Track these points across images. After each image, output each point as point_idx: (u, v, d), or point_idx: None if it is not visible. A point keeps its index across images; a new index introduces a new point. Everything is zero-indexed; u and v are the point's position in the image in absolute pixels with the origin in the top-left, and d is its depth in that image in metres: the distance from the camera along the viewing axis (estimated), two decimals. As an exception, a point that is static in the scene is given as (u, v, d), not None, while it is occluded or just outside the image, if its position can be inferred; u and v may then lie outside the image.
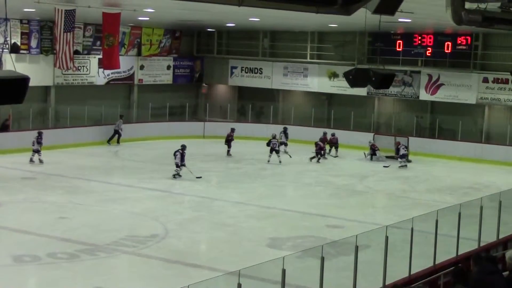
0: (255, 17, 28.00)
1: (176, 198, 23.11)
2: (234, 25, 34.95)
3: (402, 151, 30.27)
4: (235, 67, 40.35)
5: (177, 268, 15.74)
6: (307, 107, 38.03)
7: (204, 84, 41.19)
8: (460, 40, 33.56)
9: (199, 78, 41.55)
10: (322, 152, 30.92)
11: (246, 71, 40.03)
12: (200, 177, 25.54)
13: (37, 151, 27.66)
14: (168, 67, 39.61)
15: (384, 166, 30.06)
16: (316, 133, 35.57)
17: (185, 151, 25.99)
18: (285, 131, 33.75)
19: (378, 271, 12.57)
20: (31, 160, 27.60)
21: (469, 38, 33.42)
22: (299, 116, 37.55)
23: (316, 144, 30.87)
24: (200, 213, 20.99)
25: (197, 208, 21.60)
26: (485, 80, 33.17)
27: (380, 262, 12.49)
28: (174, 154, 25.98)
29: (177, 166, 25.72)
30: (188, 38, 41.08)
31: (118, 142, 33.87)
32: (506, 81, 32.12)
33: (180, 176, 25.65)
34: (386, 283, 12.36)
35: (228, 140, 32.00)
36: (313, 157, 30.60)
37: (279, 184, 26.27)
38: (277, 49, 39.65)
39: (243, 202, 22.51)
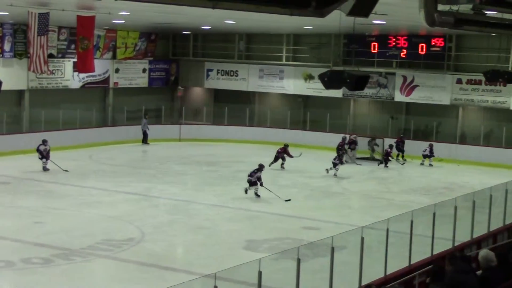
0: (230, 19, 28.02)
1: (152, 201, 23.02)
2: (209, 27, 34.95)
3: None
4: (211, 70, 40.32)
5: (153, 272, 15.68)
6: (283, 109, 38.10)
7: (179, 87, 41.10)
8: (434, 41, 33.81)
9: (174, 81, 41.47)
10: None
11: (222, 73, 40.01)
12: (289, 200, 23.42)
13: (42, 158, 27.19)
14: (144, 70, 39.49)
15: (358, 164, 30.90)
16: (292, 135, 35.77)
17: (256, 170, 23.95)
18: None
19: (354, 272, 12.61)
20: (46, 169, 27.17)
21: (442, 39, 33.67)
22: (275, 118, 37.62)
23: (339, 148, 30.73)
24: (176, 216, 20.93)
25: (173, 211, 21.54)
26: (459, 81, 33.44)
27: (356, 263, 12.53)
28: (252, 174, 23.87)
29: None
30: (164, 41, 41.00)
31: (144, 142, 35.30)
32: (480, 82, 32.39)
33: (258, 196, 23.70)
34: (362, 284, 12.41)
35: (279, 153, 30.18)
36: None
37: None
38: (253, 52, 39.71)
39: (219, 205, 22.49)
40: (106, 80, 37.30)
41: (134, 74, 38.93)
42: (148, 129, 35.55)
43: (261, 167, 23.93)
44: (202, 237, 18.69)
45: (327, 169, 28.28)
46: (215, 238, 18.70)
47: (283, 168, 29.26)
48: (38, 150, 27.02)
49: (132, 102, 37.72)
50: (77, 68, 32.28)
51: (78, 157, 30.76)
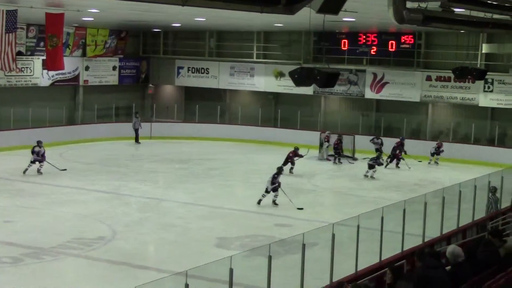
0: (201, 17, 27.94)
1: (123, 199, 22.91)
2: (180, 25, 34.83)
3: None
4: (182, 67, 40.24)
5: (124, 270, 15.62)
6: (254, 106, 38.12)
7: (150, 85, 40.97)
8: (404, 39, 34.04)
9: (145, 78, 41.31)
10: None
11: (193, 71, 39.94)
12: (302, 208, 22.11)
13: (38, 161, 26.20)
14: (114, 68, 39.29)
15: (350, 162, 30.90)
16: (263, 132, 35.84)
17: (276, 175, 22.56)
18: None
19: (325, 269, 12.66)
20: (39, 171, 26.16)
21: (412, 36, 33.91)
22: (246, 115, 37.62)
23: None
24: (147, 214, 20.86)
25: (144, 210, 21.47)
26: (429, 78, 33.72)
27: (327, 260, 12.58)
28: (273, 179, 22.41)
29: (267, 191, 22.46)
30: (134, 39, 40.82)
31: (136, 141, 35.22)
32: (449, 79, 32.68)
33: (276, 205, 22.29)
34: (333, 280, 12.46)
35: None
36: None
37: (227, 183, 26.28)
38: (224, 49, 39.66)
39: (191, 203, 22.45)
40: (76, 78, 37.02)
41: (104, 72, 38.70)
42: (141, 127, 35.43)
43: (280, 170, 22.98)
44: (174, 235, 18.65)
45: (365, 175, 27.75)
46: (186, 236, 18.67)
47: (292, 173, 27.51)
48: (33, 152, 26.00)
49: (102, 100, 37.50)
50: (46, 65, 31.94)
51: (49, 156, 30.45)
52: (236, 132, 36.73)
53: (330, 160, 31.24)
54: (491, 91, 32.28)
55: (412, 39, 33.97)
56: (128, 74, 40.28)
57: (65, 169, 26.09)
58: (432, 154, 31.14)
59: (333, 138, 32.02)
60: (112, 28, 37.65)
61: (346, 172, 29.34)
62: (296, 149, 28.38)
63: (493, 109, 33.03)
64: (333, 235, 12.44)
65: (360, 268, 13.32)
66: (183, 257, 16.38)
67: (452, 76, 26.62)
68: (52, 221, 19.65)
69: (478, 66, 30.90)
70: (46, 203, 21.70)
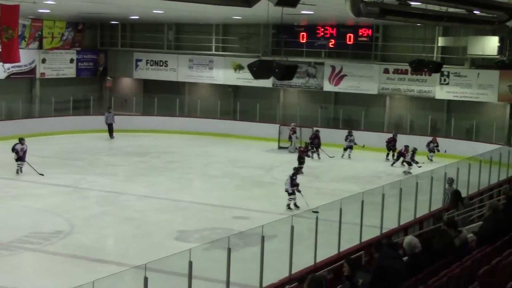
0: (159, 9, 27.79)
1: (82, 193, 22.74)
2: (138, 17, 34.60)
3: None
4: (140, 60, 39.98)
5: (83, 264, 15.52)
6: (213, 99, 38.07)
7: (108, 78, 40.64)
8: (362, 32, 34.27)
9: (103, 71, 40.96)
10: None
11: (151, 64, 39.72)
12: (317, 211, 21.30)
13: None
14: (71, 61, 38.85)
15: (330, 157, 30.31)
16: (222, 125, 35.83)
17: (295, 176, 21.36)
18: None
19: (284, 260, 12.74)
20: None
21: (370, 29, 34.16)
22: (205, 108, 37.54)
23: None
24: (106, 207, 20.75)
25: (103, 203, 21.34)
26: (386, 71, 34.01)
27: (287, 252, 12.66)
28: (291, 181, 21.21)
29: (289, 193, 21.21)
30: (91, 31, 40.42)
31: (111, 135, 34.70)
32: (406, 72, 32.99)
33: (296, 206, 21.10)
34: (292, 272, 12.55)
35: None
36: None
37: (186, 177, 26.23)
38: (182, 42, 39.50)
39: (150, 196, 22.38)
40: (32, 71, 36.55)
41: (62, 65, 38.27)
42: (114, 122, 34.97)
43: (298, 170, 22.21)
44: (133, 229, 18.59)
45: (404, 171, 27.69)
46: (145, 229, 18.62)
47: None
48: (14, 149, 24.92)
49: (59, 93, 37.08)
50: (2, 58, 31.26)
51: (5, 150, 30.08)
52: (195, 125, 36.64)
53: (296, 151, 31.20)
54: (447, 84, 32.68)
55: (370, 32, 34.22)
56: (86, 66, 39.90)
57: (42, 174, 24.65)
58: (432, 150, 30.45)
59: (302, 130, 32.40)
60: (69, 20, 37.22)
61: (304, 164, 29.41)
62: (307, 144, 28.54)
63: (449, 101, 33.45)
64: (292, 227, 12.52)
65: (319, 259, 13.42)
66: (142, 250, 16.33)
67: (409, 69, 26.86)
68: (9, 216, 19.45)
69: (434, 59, 31.26)
70: (2, 197, 21.45)
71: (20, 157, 25.02)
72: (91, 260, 15.82)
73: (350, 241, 14.64)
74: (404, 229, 16.26)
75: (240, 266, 12.69)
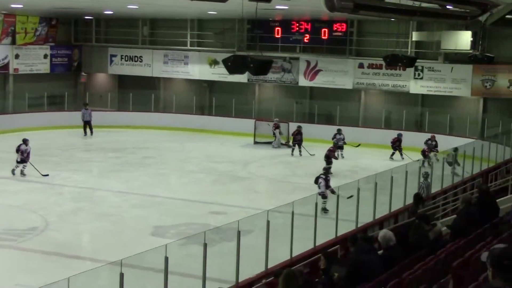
0: (133, 4, 27.69)
1: (56, 189, 22.63)
2: (112, 12, 34.43)
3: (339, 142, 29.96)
4: (115, 56, 39.78)
5: (59, 261, 15.45)
6: (189, 94, 38.01)
7: (83, 73, 40.41)
8: (336, 26, 34.34)
9: (77, 67, 40.70)
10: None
11: (126, 59, 39.53)
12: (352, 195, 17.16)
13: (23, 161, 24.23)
14: (45, 56, 38.57)
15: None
16: (197, 120, 35.80)
17: (328, 177, 20.42)
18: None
19: (260, 255, 12.78)
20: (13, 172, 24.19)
21: (344, 24, 34.26)
22: (180, 104, 37.47)
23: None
24: (81, 204, 20.66)
25: (78, 199, 21.24)
26: (361, 66, 34.15)
27: (262, 247, 12.70)
28: (317, 181, 20.37)
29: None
30: (65, 26, 40.12)
31: (91, 132, 34.24)
32: (380, 67, 33.14)
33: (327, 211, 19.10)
34: (269, 267, 12.59)
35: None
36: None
37: (161, 172, 26.17)
38: (157, 37, 39.38)
39: (125, 192, 22.32)
40: (5, 66, 36.22)
41: (35, 60, 37.97)
42: (91, 119, 34.40)
43: (328, 170, 21.24)
44: (109, 225, 18.53)
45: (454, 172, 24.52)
46: (121, 225, 18.58)
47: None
48: (19, 150, 24.21)
49: (33, 88, 36.82)
50: (-26, 54, 31.28)
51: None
52: (170, 120, 36.58)
53: (281, 147, 31.21)
54: (421, 78, 32.89)
55: (345, 27, 34.32)
56: (60, 62, 39.61)
57: (47, 175, 24.26)
58: (432, 150, 28.59)
59: (285, 126, 32.54)
60: (43, 16, 36.94)
61: (280, 159, 29.52)
62: (334, 146, 27.57)
63: (423, 95, 33.66)
64: (268, 222, 12.56)
65: (295, 254, 13.48)
66: (118, 246, 16.29)
67: (384, 63, 26.99)
68: (-17, 213, 19.28)
69: (409, 53, 31.43)
70: (-24, 194, 21.28)
71: (23, 159, 24.19)
72: (66, 256, 15.75)
73: (326, 236, 14.71)
74: (380, 223, 16.36)
75: (217, 261, 12.71)
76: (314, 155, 29.52)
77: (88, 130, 34.36)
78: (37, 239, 16.93)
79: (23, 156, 24.27)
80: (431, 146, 28.94)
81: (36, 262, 15.41)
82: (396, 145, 30.07)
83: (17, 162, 24.19)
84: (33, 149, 29.19)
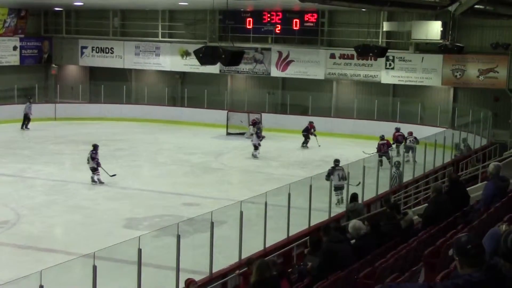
0: (103, -5, 27.52)
1: (28, 182, 22.45)
2: (82, 4, 34.16)
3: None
4: (86, 47, 39.49)
5: (31, 254, 15.36)
6: (161, 86, 37.87)
7: (53, 65, 40.07)
8: (308, 17, 34.39)
9: (48, 59, 40.34)
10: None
11: (97, 51, 39.27)
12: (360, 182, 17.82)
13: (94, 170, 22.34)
14: (15, 48, 38.18)
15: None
16: (170, 112, 35.73)
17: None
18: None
19: (234, 246, 12.83)
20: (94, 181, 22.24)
21: (315, 15, 34.31)
22: (152, 95, 37.35)
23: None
24: (53, 196, 20.53)
25: (50, 192, 21.11)
26: (332, 56, 34.24)
27: (236, 237, 12.75)
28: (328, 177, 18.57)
29: None
30: (35, 18, 39.74)
31: (26, 127, 33.46)
32: (352, 57, 33.27)
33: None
34: (242, 257, 12.63)
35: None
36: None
37: (134, 164, 26.09)
38: (128, 28, 39.15)
39: (98, 184, 22.19)
40: (-26, 59, 35.87)
41: (5, 52, 37.56)
42: (31, 114, 33.86)
43: (338, 162, 19.84)
44: (81, 217, 18.44)
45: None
46: (94, 217, 18.50)
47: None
48: (93, 158, 22.40)
49: (3, 81, 36.45)
50: None
51: None
52: (142, 112, 36.45)
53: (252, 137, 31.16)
54: (392, 68, 33.06)
55: (316, 18, 34.38)
56: (30, 54, 39.25)
57: (114, 175, 22.65)
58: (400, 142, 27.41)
59: (250, 116, 32.49)
60: (11, 7, 36.54)
61: (252, 150, 29.51)
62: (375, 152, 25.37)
63: (394, 85, 33.86)
64: (241, 213, 12.60)
65: (268, 244, 13.54)
66: (91, 238, 16.22)
67: (355, 54, 27.09)
68: (-47, 207, 19.09)
69: (379, 44, 31.57)
70: None
71: (97, 167, 22.29)
72: (39, 249, 15.67)
73: (299, 226, 14.79)
74: (352, 213, 16.44)
75: (190, 253, 12.75)
76: (264, 137, 28.74)
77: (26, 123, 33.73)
78: (9, 232, 16.82)
79: (97, 164, 22.39)
80: (402, 139, 27.40)
81: (8, 256, 15.31)
82: (398, 140, 27.90)
83: (93, 171, 22.36)
84: (3, 142, 29.03)
